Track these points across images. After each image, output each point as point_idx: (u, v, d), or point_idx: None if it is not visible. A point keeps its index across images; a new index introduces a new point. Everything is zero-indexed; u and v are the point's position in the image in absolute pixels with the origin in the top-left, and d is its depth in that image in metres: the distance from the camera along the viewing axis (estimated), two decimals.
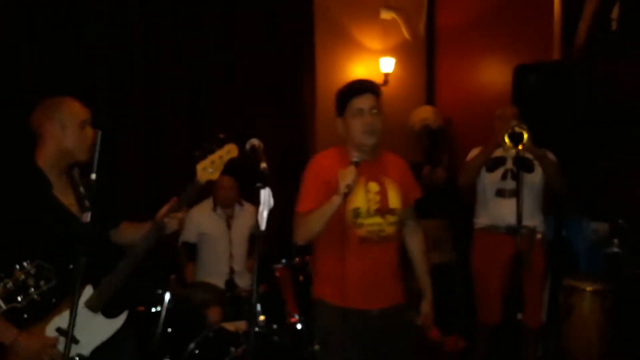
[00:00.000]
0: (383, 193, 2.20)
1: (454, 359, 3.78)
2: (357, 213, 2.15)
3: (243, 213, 3.66)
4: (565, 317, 3.34)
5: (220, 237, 3.51)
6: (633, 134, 3.77)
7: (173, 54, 4.12)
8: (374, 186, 2.19)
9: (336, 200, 2.00)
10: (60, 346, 1.82)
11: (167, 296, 2.72)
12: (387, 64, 5.08)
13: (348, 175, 1.99)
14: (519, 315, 2.89)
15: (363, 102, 2.14)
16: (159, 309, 2.77)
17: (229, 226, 3.54)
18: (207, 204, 3.61)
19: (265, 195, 1.61)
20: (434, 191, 4.38)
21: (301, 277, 3.00)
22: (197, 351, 2.80)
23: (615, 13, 3.95)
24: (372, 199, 2.17)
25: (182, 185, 2.07)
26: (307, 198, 2.15)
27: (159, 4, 4.10)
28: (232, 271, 3.46)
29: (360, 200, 2.15)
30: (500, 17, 4.78)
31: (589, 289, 3.29)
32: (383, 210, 2.19)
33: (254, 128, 4.08)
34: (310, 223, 2.09)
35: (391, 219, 2.20)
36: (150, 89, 4.05)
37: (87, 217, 1.76)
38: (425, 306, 2.36)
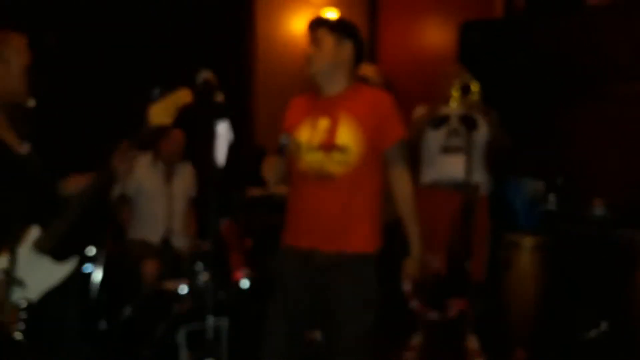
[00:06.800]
0: (332, 129, 2.03)
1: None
2: (298, 146, 2.06)
3: (183, 171, 3.46)
4: (505, 271, 3.42)
5: (158, 192, 3.30)
6: (572, 92, 3.89)
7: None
8: (324, 122, 2.05)
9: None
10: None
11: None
12: (330, 17, 4.94)
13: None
14: (466, 264, 2.91)
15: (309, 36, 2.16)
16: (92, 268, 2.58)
17: (168, 182, 3.33)
18: (145, 157, 3.36)
19: (224, 129, 1.50)
20: None
21: (247, 234, 2.91)
22: (135, 312, 2.65)
23: None
24: (316, 134, 2.04)
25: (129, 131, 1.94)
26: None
27: None
28: (169, 230, 3.27)
29: (304, 134, 2.07)
30: None
31: (527, 244, 3.37)
32: (327, 145, 2.01)
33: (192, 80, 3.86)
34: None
35: (338, 156, 2.00)
36: (89, 35, 3.77)
37: (25, 148, 1.67)
38: (407, 262, 2.11)
